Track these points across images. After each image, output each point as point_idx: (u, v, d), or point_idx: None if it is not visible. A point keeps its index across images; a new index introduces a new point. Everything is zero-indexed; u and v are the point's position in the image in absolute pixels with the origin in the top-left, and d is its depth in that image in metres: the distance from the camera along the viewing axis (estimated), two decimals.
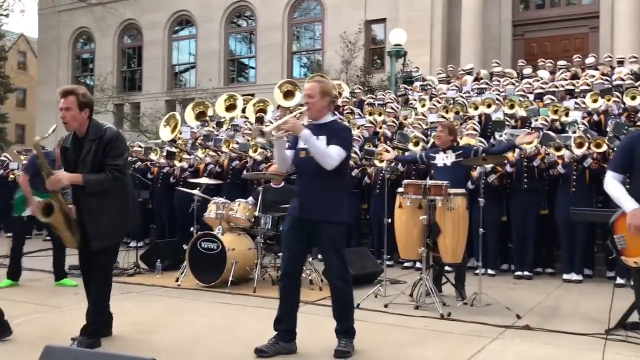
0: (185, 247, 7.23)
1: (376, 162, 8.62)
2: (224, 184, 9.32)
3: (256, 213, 7.02)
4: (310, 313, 5.59)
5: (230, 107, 13.69)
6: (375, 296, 6.10)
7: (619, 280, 7.11)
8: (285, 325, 4.21)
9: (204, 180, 8.07)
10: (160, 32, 22.24)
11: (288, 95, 14.05)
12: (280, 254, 7.42)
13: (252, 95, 16.70)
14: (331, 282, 4.25)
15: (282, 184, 7.58)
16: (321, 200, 4.06)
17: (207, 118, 13.45)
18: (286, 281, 4.24)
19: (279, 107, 13.94)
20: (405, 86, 13.86)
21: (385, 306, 5.71)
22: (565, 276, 7.54)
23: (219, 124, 13.10)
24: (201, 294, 6.47)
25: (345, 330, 4.21)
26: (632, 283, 6.89)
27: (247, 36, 21.69)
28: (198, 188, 7.66)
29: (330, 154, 3.97)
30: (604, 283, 7.41)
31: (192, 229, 7.59)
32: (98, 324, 4.32)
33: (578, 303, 6.20)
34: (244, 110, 13.59)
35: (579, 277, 7.48)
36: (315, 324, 5.24)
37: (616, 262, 7.22)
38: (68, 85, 4.57)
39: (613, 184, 3.49)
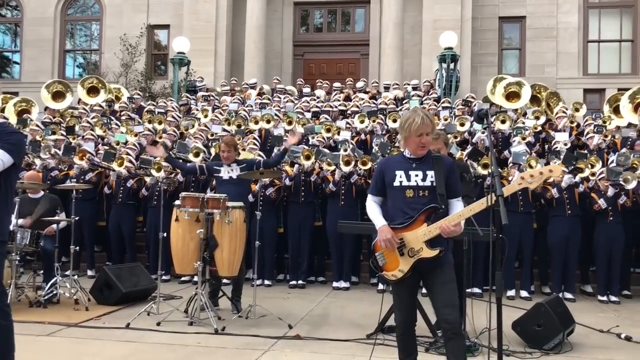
0: None
1: (153, 172, 8.27)
2: None
3: (12, 227, 6.22)
4: (73, 337, 5.12)
5: None
6: (148, 314, 5.80)
7: (381, 287, 7.80)
8: None
9: None
10: None
11: (58, 96, 12.91)
12: (42, 272, 6.74)
13: (16, 93, 14.98)
14: None
15: (41, 193, 6.84)
16: None
17: None
18: None
19: (46, 108, 12.73)
20: (188, 95, 13.63)
21: (158, 324, 5.46)
22: (334, 284, 8.02)
23: None
24: None
25: None
26: (392, 288, 7.66)
27: (12, 28, 19.44)
28: None
29: None
30: (367, 289, 8.04)
31: None
32: None
33: (345, 310, 6.61)
34: (2, 110, 12.08)
35: (347, 285, 8.01)
36: (79, 348, 4.81)
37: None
38: None
39: (370, 206, 3.67)
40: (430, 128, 3.48)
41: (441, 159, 3.57)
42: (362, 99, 12.40)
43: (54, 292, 6.34)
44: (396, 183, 3.52)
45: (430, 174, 3.48)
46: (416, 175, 3.49)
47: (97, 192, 8.68)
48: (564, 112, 10.35)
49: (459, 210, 3.41)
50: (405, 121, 3.50)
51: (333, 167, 8.05)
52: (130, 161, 8.65)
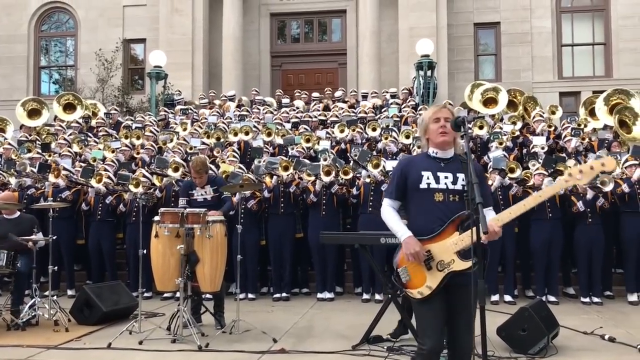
0: None
1: (131, 188, 8.17)
2: None
3: None
4: (53, 359, 5.00)
5: None
6: (130, 333, 5.69)
7: (365, 296, 7.78)
8: None
9: None
10: None
11: (33, 114, 12.75)
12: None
13: None
14: None
15: (17, 213, 6.71)
16: None
17: None
18: None
19: (22, 127, 12.56)
20: (166, 109, 13.53)
21: (140, 343, 5.37)
22: (319, 295, 7.96)
23: None
24: None
25: None
26: (376, 298, 7.63)
27: None
28: None
29: None
30: (352, 299, 8.00)
31: None
32: None
33: (330, 321, 6.55)
34: None
35: (331, 295, 7.96)
36: None
37: (363, 279, 7.93)
38: None
39: (388, 212, 3.26)
40: (447, 113, 3.21)
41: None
42: (342, 109, 12.42)
43: (33, 314, 6.19)
44: (423, 185, 3.16)
45: (461, 176, 3.16)
46: (446, 177, 3.16)
47: (74, 210, 8.54)
48: (540, 116, 10.48)
49: (508, 209, 3.05)
50: (420, 118, 3.38)
51: (313, 178, 8.02)
52: (109, 177, 8.54)
